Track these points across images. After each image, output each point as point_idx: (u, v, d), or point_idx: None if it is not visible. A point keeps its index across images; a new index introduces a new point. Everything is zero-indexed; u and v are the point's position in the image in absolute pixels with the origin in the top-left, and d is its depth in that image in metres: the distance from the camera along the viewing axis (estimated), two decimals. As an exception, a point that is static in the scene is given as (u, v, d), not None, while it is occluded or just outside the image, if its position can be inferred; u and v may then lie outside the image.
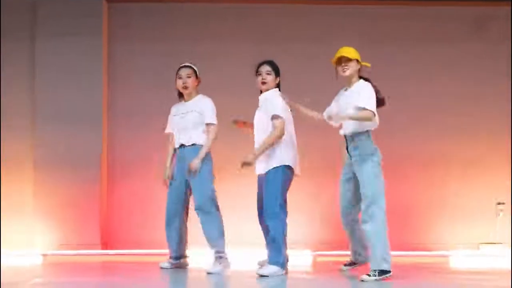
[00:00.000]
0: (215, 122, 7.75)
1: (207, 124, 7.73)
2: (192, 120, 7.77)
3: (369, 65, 7.39)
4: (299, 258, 9.02)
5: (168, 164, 8.04)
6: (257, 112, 7.66)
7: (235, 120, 8.06)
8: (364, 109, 6.97)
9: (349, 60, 7.30)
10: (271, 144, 7.38)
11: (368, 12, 10.30)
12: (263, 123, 7.51)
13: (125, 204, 10.11)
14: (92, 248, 9.63)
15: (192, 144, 7.75)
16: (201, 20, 10.34)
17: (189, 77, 7.81)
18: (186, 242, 8.05)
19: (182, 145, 7.82)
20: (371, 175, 7.10)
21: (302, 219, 9.83)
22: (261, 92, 7.69)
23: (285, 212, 7.45)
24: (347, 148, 7.34)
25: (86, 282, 6.95)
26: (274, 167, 7.42)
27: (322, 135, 9.20)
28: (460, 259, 9.42)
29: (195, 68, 7.89)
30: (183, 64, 7.89)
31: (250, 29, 10.38)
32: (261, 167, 7.51)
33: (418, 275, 7.75)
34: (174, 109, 8.04)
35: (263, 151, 7.41)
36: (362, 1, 10.27)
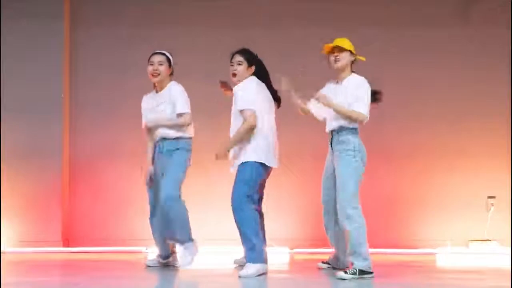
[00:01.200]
0: (186, 110, 7.59)
1: (178, 115, 7.58)
2: (164, 113, 7.65)
3: (363, 58, 7.38)
4: (277, 256, 9.12)
5: (149, 160, 7.88)
6: (233, 106, 7.52)
7: (222, 82, 7.93)
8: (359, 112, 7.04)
9: (342, 50, 7.26)
10: (241, 137, 7.29)
11: None
12: (236, 117, 7.44)
13: (88, 199, 10.10)
14: (53, 245, 9.58)
15: (175, 138, 7.63)
16: (169, 3, 10.26)
17: (161, 64, 7.66)
18: None
19: (163, 138, 7.69)
20: (351, 172, 7.11)
21: (280, 216, 9.79)
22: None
23: (250, 206, 7.34)
24: (331, 144, 7.34)
25: (45, 282, 6.85)
26: (242, 162, 7.34)
27: (300, 131, 9.18)
28: (448, 257, 9.50)
29: (168, 55, 7.75)
30: (156, 51, 7.75)
31: (223, 12, 10.29)
32: (233, 164, 7.49)
33: (401, 274, 7.74)
34: (144, 102, 7.92)
35: (234, 144, 7.35)
36: None
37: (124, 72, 10.07)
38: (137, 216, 9.54)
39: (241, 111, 7.27)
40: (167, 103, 7.63)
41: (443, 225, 10.05)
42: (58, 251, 9.46)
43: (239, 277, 7.10)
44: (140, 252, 9.50)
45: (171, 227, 7.48)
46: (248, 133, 7.27)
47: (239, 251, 7.84)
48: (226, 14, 10.25)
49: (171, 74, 7.78)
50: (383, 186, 9.95)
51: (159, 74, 7.62)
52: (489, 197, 9.98)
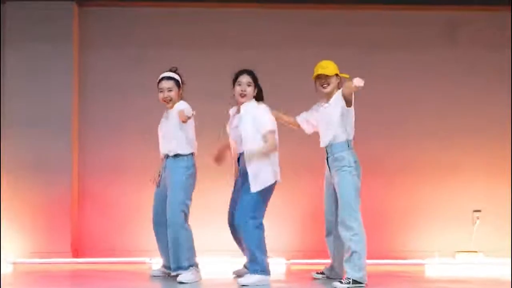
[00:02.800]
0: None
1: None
2: (171, 128, 7.58)
3: (347, 76, 7.38)
4: (274, 266, 8.94)
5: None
6: (239, 123, 7.42)
7: (217, 157, 7.93)
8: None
9: (328, 77, 7.32)
10: (262, 155, 7.25)
11: (346, 18, 10.22)
12: (250, 134, 7.32)
13: (96, 212, 10.07)
14: (63, 256, 9.51)
15: (175, 155, 7.55)
16: (174, 24, 10.22)
17: (170, 90, 7.59)
18: None
19: (166, 155, 7.67)
20: (350, 188, 7.12)
21: (277, 228, 9.68)
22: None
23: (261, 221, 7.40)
24: (327, 160, 7.34)
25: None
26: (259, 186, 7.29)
27: (301, 144, 9.15)
28: (436, 267, 9.45)
29: (177, 78, 7.70)
30: (164, 75, 7.67)
31: (225, 33, 10.26)
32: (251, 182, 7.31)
33: (392, 284, 7.73)
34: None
35: (260, 152, 7.24)
36: (339, 6, 10.18)
37: (131, 91, 10.03)
38: (142, 229, 9.51)
39: (270, 132, 7.24)
40: (175, 119, 7.53)
41: (431, 237, 10.02)
42: (68, 262, 9.38)
43: (240, 285, 7.08)
44: (145, 263, 9.42)
45: (173, 251, 7.45)
46: (271, 153, 7.29)
47: (237, 262, 7.85)
48: (228, 37, 10.22)
49: (181, 93, 7.73)
50: (374, 199, 9.87)
51: (170, 100, 7.56)
52: (475, 210, 9.94)
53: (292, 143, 9.09)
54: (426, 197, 10.09)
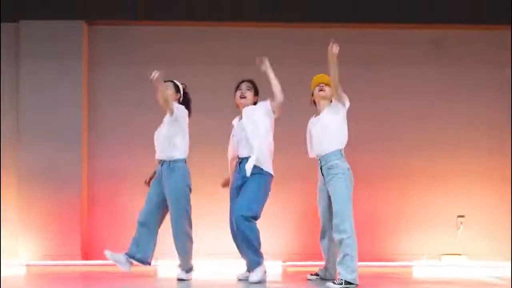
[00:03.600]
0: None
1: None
2: (164, 132, 7.77)
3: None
4: (270, 268, 8.97)
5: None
6: (244, 125, 7.57)
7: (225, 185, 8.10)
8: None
9: (327, 84, 7.56)
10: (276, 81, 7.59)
11: (340, 35, 10.25)
12: (263, 126, 7.54)
13: (104, 217, 10.06)
14: (73, 259, 9.56)
15: (171, 161, 7.72)
16: (177, 42, 10.28)
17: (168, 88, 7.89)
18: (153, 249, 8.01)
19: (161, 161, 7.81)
20: (345, 194, 7.21)
21: (273, 231, 9.79)
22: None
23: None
24: (321, 169, 7.40)
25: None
26: (265, 172, 7.51)
27: (297, 149, 9.25)
28: (423, 269, 9.48)
29: (177, 83, 8.03)
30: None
31: (228, 51, 10.31)
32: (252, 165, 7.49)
33: (382, 285, 7.75)
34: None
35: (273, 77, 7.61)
36: (333, 25, 10.21)
37: (136, 105, 10.10)
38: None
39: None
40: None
41: (418, 241, 10.07)
42: (78, 264, 9.46)
43: (252, 283, 7.23)
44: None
45: (182, 257, 7.78)
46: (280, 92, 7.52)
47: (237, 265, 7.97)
48: (226, 55, 10.28)
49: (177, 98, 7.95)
50: (365, 206, 9.91)
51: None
52: (459, 216, 10.01)
53: (289, 148, 9.22)
54: (414, 204, 10.15)
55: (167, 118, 7.74)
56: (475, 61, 10.34)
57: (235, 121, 7.84)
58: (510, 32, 10.10)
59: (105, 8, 10.05)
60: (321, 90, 7.55)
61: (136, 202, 9.90)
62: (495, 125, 10.29)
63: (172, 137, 7.67)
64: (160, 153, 7.79)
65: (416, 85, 10.36)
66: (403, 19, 10.17)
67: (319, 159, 7.39)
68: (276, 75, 9.58)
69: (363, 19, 10.15)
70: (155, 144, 7.89)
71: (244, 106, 7.68)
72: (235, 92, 7.79)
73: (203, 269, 8.13)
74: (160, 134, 7.79)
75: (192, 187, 7.84)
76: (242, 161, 7.59)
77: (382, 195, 10.18)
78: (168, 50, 10.25)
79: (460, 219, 10.01)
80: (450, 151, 10.20)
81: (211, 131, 9.52)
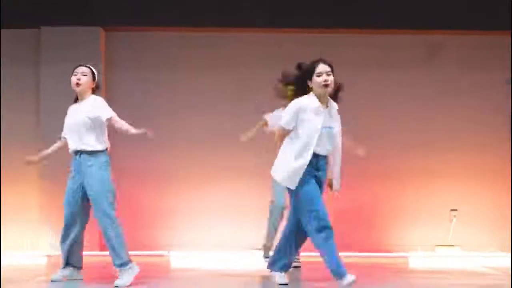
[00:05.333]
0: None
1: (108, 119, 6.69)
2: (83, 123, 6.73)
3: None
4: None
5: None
6: (332, 121, 6.26)
7: None
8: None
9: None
10: None
11: (333, 40, 10.24)
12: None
13: (121, 211, 9.82)
14: (92, 249, 9.47)
15: (91, 151, 6.71)
16: (189, 47, 10.24)
17: (85, 75, 6.83)
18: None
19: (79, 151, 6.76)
20: None
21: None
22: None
23: None
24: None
25: (86, 279, 7.02)
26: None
27: None
28: (418, 259, 9.45)
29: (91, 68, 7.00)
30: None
31: (234, 56, 10.27)
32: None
33: (380, 274, 7.74)
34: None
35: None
36: (327, 30, 10.16)
37: (151, 106, 10.08)
38: (161, 226, 9.64)
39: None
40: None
41: (413, 233, 10.05)
42: (96, 255, 9.40)
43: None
44: (163, 256, 9.48)
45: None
46: None
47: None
48: (235, 59, 10.24)
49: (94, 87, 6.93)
50: (364, 201, 9.94)
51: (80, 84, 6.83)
52: (452, 209, 9.98)
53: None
54: (410, 198, 10.12)
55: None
56: (470, 65, 10.30)
57: (314, 105, 6.18)
58: (510, 38, 9.99)
59: (121, 15, 10.04)
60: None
61: (150, 197, 9.99)
62: (485, 126, 10.22)
63: None
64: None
65: (414, 89, 10.31)
66: (406, 26, 10.11)
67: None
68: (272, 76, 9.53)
69: (365, 26, 10.09)
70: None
71: (325, 95, 6.25)
72: (309, 76, 6.33)
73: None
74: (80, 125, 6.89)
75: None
76: (320, 159, 6.26)
77: (379, 190, 10.14)
78: (180, 54, 10.24)
79: (453, 213, 10.00)
80: (443, 150, 10.19)
81: (217, 131, 9.49)
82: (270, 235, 7.94)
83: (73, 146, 6.74)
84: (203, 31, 10.18)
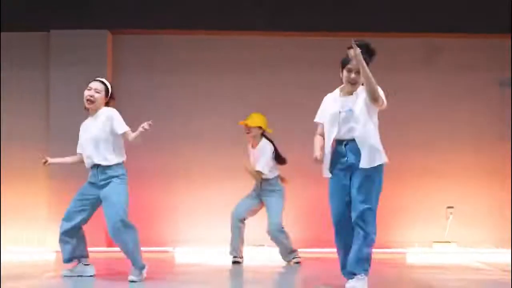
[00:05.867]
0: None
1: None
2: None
3: (270, 131, 8.03)
4: (276, 255, 8.95)
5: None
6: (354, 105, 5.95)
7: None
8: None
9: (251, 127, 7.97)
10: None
11: (328, 44, 10.18)
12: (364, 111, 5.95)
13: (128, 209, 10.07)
14: (98, 246, 9.51)
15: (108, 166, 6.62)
16: (193, 50, 10.25)
17: (98, 92, 6.70)
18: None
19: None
20: None
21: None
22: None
23: None
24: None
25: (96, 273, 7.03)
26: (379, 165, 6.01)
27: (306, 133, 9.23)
28: (416, 255, 9.50)
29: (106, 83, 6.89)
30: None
31: (242, 58, 10.28)
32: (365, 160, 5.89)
33: (379, 269, 7.72)
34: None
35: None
36: (322, 33, 10.15)
37: (157, 107, 10.08)
38: (166, 223, 9.66)
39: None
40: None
41: (411, 230, 10.06)
42: (102, 251, 9.42)
43: None
44: (168, 252, 9.52)
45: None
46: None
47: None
48: (241, 62, 10.25)
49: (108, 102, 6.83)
50: None
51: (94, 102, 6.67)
52: (448, 207, 9.97)
53: (295, 147, 9.20)
54: (408, 197, 10.12)
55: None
56: (469, 67, 10.29)
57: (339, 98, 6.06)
58: (510, 40, 9.96)
59: (128, 19, 10.04)
60: (247, 133, 8.01)
61: (156, 196, 10.02)
62: (483, 127, 10.22)
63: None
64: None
65: (413, 91, 10.29)
66: (406, 28, 10.08)
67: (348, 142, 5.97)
68: (289, 78, 9.55)
69: (365, 29, 10.05)
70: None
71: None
72: (343, 69, 6.09)
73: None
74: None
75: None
76: (347, 143, 5.94)
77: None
78: (184, 57, 10.24)
79: (450, 210, 9.99)
80: (440, 150, 10.18)
81: (228, 132, 9.52)
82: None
83: (89, 161, 6.64)
84: (207, 34, 10.18)
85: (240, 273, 7.43)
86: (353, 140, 5.86)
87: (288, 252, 8.21)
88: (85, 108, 6.74)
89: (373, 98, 5.88)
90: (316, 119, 6.14)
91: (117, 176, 6.60)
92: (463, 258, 9.04)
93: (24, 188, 9.99)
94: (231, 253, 8.23)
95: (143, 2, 10.01)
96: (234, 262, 8.13)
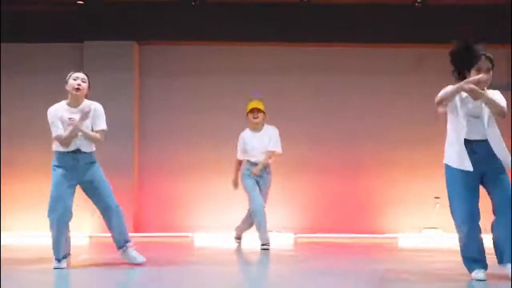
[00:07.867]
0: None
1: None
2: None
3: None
4: (284, 239, 9.07)
5: None
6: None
7: None
8: None
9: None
10: None
11: (326, 52, 10.31)
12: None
13: (152, 197, 10.14)
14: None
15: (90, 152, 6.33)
16: (213, 59, 10.30)
17: (84, 82, 6.29)
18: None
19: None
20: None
21: (287, 208, 9.80)
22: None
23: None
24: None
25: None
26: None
27: (311, 132, 9.29)
28: (406, 240, 9.49)
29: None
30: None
31: (244, 65, 10.35)
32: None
33: (374, 252, 7.82)
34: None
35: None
36: (320, 44, 10.23)
37: (179, 109, 10.18)
38: (186, 211, 9.77)
39: None
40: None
41: (403, 217, 10.08)
42: (130, 236, 9.42)
43: None
44: (188, 237, 9.56)
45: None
46: None
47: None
48: (255, 69, 10.31)
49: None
50: (360, 190, 10.03)
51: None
52: (435, 197, 9.86)
53: (302, 144, 9.30)
54: (399, 187, 10.13)
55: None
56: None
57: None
58: (511, 51, 9.85)
59: (153, 31, 10.12)
60: (255, 117, 7.76)
61: (177, 185, 10.10)
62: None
63: None
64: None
65: (403, 94, 10.31)
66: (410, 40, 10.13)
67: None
68: (298, 83, 9.54)
69: (367, 40, 10.15)
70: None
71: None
72: (472, 69, 5.47)
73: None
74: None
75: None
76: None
77: (373, 180, 10.18)
78: (201, 64, 10.31)
79: (436, 200, 9.92)
80: (428, 144, 10.13)
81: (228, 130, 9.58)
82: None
83: (72, 145, 6.17)
84: (228, 44, 10.25)
85: (254, 254, 7.44)
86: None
87: (242, 233, 8.07)
88: (71, 96, 6.23)
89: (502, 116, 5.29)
90: None
91: (96, 162, 6.36)
92: (448, 242, 8.93)
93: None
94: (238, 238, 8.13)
95: (165, 18, 10.07)
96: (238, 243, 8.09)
